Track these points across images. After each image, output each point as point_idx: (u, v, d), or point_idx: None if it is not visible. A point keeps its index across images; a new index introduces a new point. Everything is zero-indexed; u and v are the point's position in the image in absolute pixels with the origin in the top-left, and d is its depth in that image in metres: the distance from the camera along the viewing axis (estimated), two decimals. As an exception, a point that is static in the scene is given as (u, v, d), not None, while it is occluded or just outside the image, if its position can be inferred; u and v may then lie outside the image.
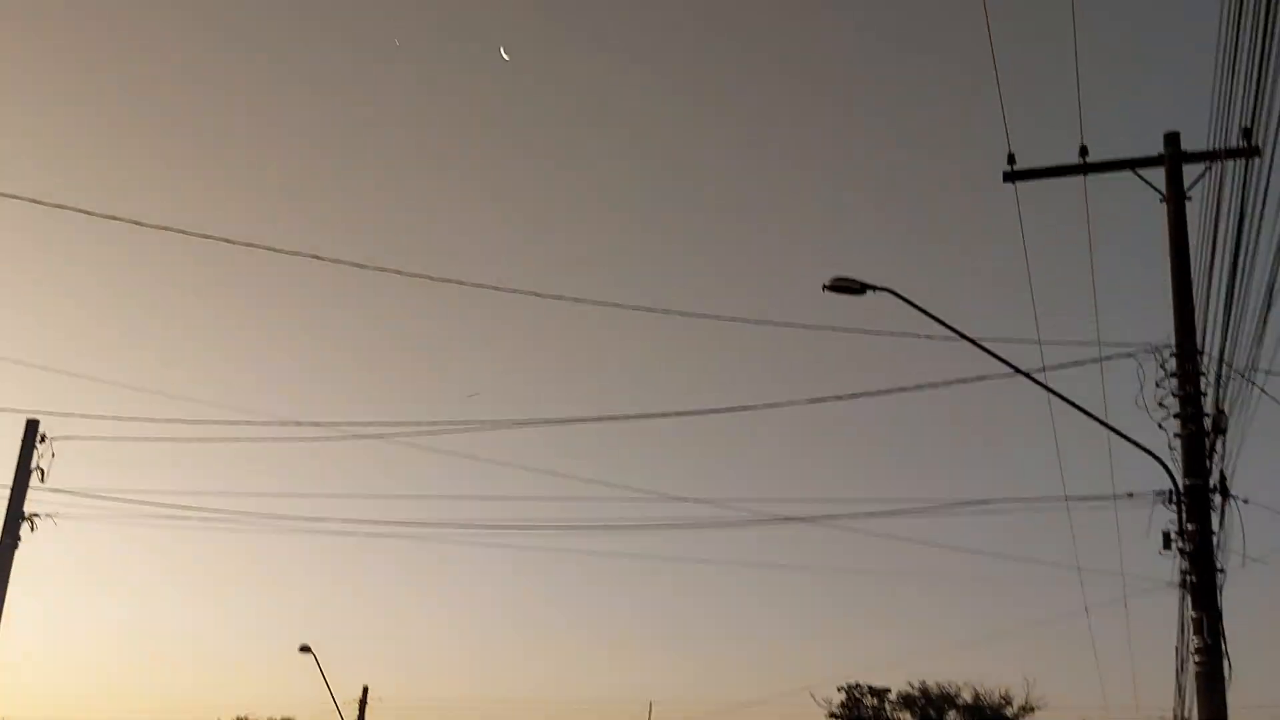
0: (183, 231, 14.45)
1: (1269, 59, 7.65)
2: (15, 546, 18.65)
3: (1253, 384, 13.19)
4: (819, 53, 58.85)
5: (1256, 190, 10.17)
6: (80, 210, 13.89)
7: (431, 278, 14.69)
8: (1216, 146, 12.16)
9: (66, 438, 18.49)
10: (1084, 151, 13.78)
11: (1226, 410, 13.22)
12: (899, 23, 57.76)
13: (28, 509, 18.48)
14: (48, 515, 18.65)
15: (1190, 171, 13.58)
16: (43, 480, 18.62)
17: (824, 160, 59.43)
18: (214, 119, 58.21)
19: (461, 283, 14.87)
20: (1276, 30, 7.29)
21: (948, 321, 13.06)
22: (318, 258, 14.69)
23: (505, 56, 52.23)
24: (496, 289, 14.95)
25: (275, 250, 14.60)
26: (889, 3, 57.53)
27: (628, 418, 16.77)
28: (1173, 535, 13.08)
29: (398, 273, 14.88)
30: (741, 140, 59.86)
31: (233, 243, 14.62)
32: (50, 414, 18.51)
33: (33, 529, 18.67)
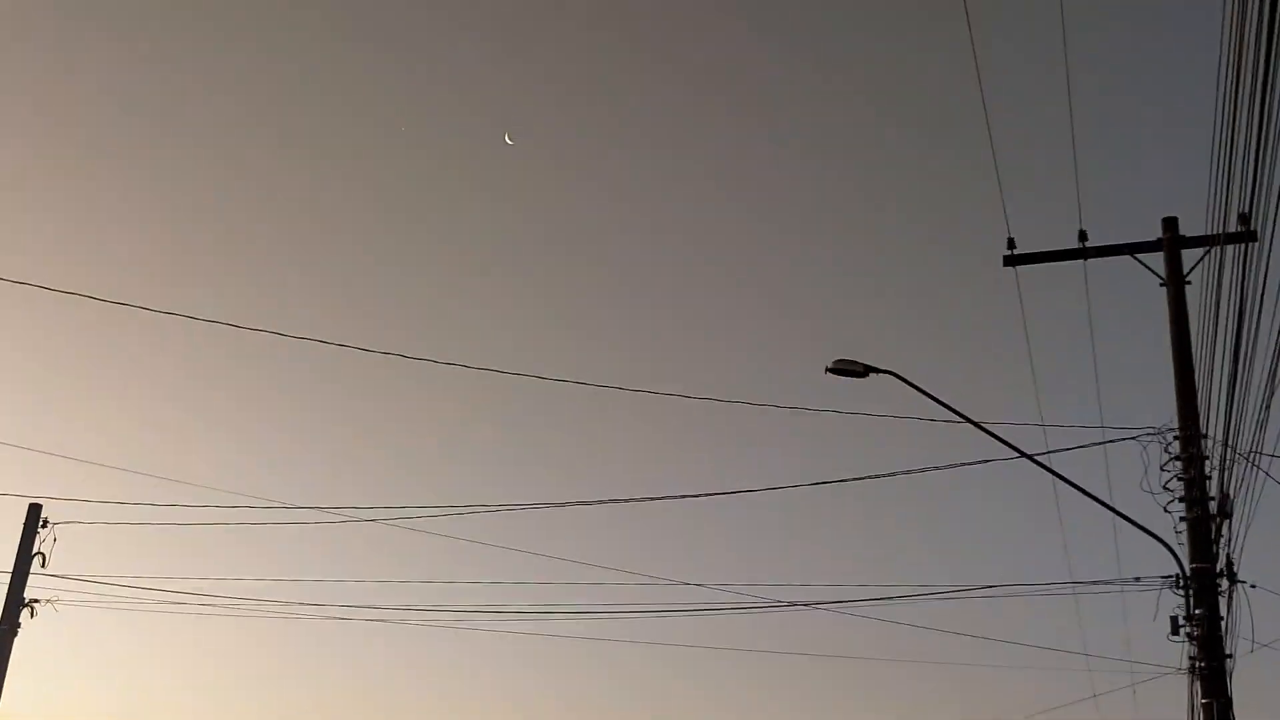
0: (189, 316, 14.48)
1: (1266, 144, 7.74)
2: (15, 633, 18.46)
3: (1257, 468, 13.14)
4: (818, 133, 59.54)
5: (1256, 274, 10.23)
6: (90, 297, 13.95)
7: (434, 361, 14.71)
8: (1215, 231, 12.27)
9: (68, 522, 18.41)
10: (1083, 236, 13.91)
11: (1231, 494, 13.16)
12: (899, 106, 58.49)
13: (28, 595, 18.33)
14: (48, 601, 18.49)
15: (1191, 255, 13.72)
16: (44, 565, 18.47)
17: (824, 241, 59.88)
18: (220, 203, 58.75)
19: (465, 366, 14.88)
20: (1273, 115, 7.38)
21: (950, 404, 13.09)
22: (322, 341, 14.72)
23: (509, 141, 52.74)
24: (499, 372, 14.94)
25: (279, 334, 14.63)
26: (888, 86, 58.30)
27: (628, 501, 16.72)
28: (1181, 620, 12.96)
29: (401, 356, 14.87)
30: (743, 223, 60.38)
31: (237, 327, 14.64)
32: (53, 498, 18.45)
33: (32, 615, 18.50)
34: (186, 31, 54.92)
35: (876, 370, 13.20)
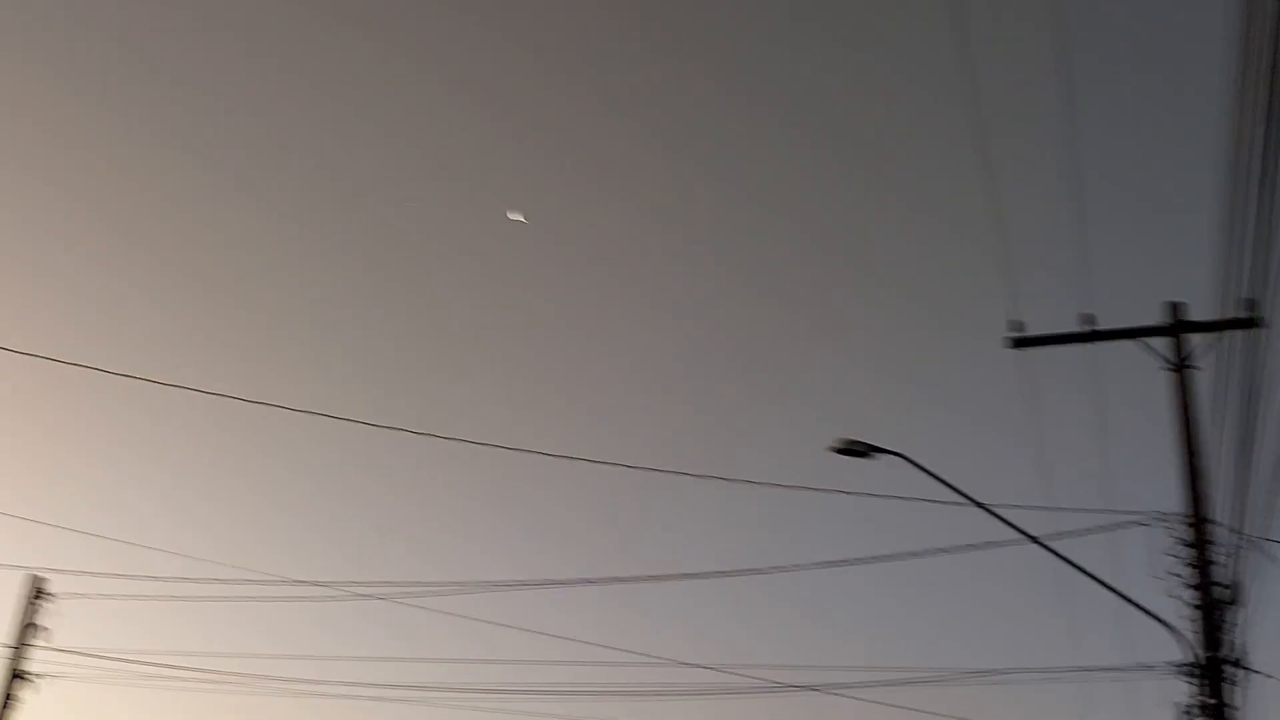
0: (196, 390, 14.49)
1: (1272, 231, 7.78)
2: (13, 708, 18.26)
3: (1266, 554, 13.03)
4: (826, 215, 59.92)
5: (1263, 359, 10.23)
6: (95, 369, 13.97)
7: (439, 436, 14.67)
8: (1221, 317, 12.26)
9: (70, 595, 18.27)
10: (1088, 320, 13.82)
11: (1242, 581, 13.04)
12: (905, 189, 58.91)
13: (28, 668, 18.16)
14: (48, 675, 18.32)
15: (1198, 340, 13.61)
16: (45, 639, 18.34)
17: (832, 322, 60.00)
18: (224, 278, 59.09)
19: (470, 441, 14.82)
20: (1279, 202, 7.42)
21: (956, 486, 13.02)
22: (328, 416, 14.69)
23: (520, 219, 52.99)
24: (504, 448, 14.88)
25: (286, 409, 14.62)
26: (894, 169, 58.75)
27: (633, 580, 16.58)
28: (1190, 710, 12.80)
29: (407, 431, 14.82)
30: (749, 301, 60.55)
31: (245, 401, 14.63)
32: (54, 571, 18.34)
33: (34, 689, 18.31)
34: (199, 110, 55.55)
35: (882, 451, 13.14)
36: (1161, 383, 13.69)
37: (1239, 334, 11.24)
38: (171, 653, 19.12)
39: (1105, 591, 13.10)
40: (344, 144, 57.87)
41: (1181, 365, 13.61)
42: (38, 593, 18.51)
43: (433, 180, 59.35)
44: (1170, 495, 13.45)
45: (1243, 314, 10.59)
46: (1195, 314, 13.73)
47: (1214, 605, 12.80)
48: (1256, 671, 13.58)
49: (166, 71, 55.13)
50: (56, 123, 54.09)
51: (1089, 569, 13.10)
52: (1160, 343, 13.78)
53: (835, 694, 17.20)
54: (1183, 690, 12.91)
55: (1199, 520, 13.06)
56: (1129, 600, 13.02)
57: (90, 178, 56.10)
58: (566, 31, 57.26)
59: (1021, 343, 13.95)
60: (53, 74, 53.75)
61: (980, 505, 13.17)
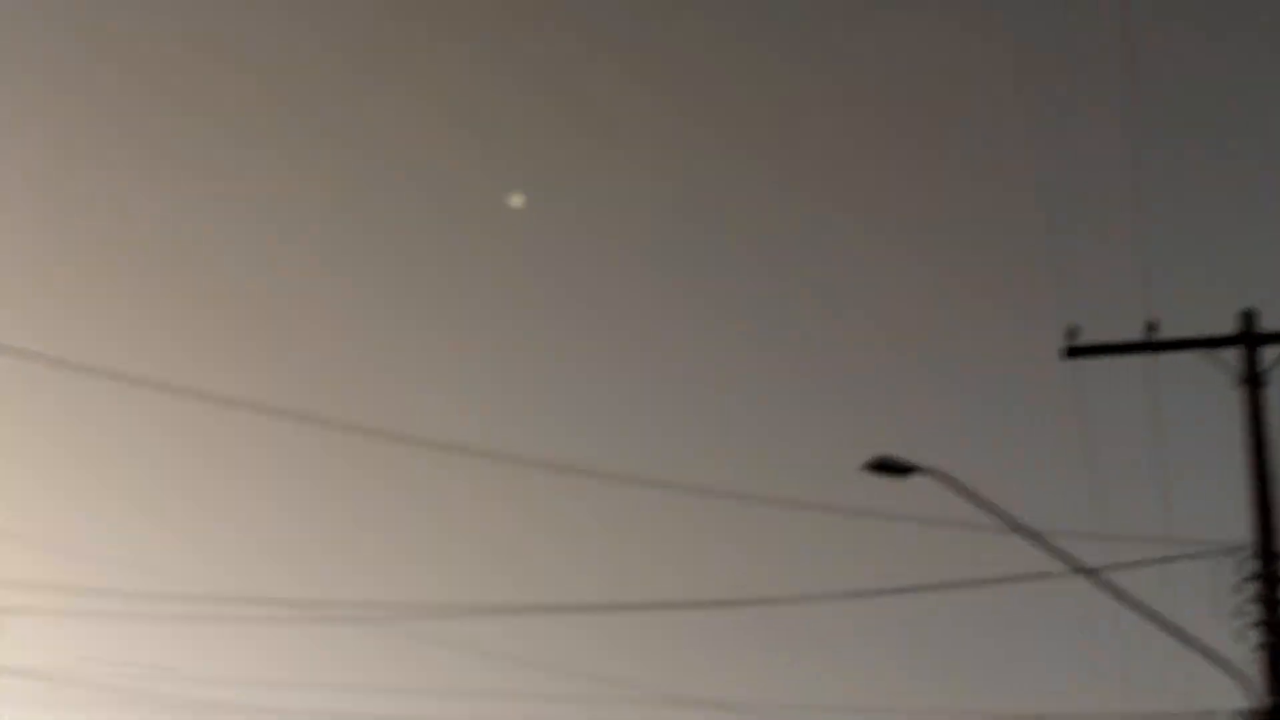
0: (190, 390, 13.77)
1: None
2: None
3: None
4: (860, 221, 59.18)
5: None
6: (79, 365, 13.26)
7: (438, 444, 13.89)
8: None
9: (22, 610, 17.58)
10: (1151, 327, 13.41)
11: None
12: (949, 188, 58.08)
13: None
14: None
15: (1271, 353, 13.26)
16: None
17: (865, 331, 59.15)
18: (213, 280, 58.81)
19: (470, 450, 14.07)
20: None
21: (1001, 510, 12.70)
22: (322, 421, 13.89)
23: (518, 204, 52.07)
24: (505, 457, 14.14)
25: (277, 412, 13.82)
26: (937, 170, 57.99)
27: (644, 607, 15.72)
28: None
29: (407, 438, 14.03)
30: (776, 312, 59.81)
31: (234, 403, 13.85)
32: (7, 584, 17.68)
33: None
34: (190, 111, 55.52)
35: (920, 470, 12.81)
36: (1230, 399, 13.43)
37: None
38: (123, 673, 18.38)
39: (1163, 630, 12.89)
40: (341, 141, 57.65)
41: (1253, 380, 13.23)
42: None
43: (433, 170, 58.94)
44: (1237, 524, 13.31)
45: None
46: (1269, 323, 13.43)
47: (1281, 646, 12.84)
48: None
49: (160, 70, 55.15)
50: (44, 120, 54.11)
51: (1146, 604, 12.89)
52: (1229, 354, 13.43)
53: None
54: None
55: (1268, 553, 12.80)
56: (1189, 640, 12.74)
57: (48, 168, 56.02)
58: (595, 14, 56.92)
59: (1076, 352, 13.67)
60: (51, 76, 53.81)
61: (1026, 532, 12.82)
